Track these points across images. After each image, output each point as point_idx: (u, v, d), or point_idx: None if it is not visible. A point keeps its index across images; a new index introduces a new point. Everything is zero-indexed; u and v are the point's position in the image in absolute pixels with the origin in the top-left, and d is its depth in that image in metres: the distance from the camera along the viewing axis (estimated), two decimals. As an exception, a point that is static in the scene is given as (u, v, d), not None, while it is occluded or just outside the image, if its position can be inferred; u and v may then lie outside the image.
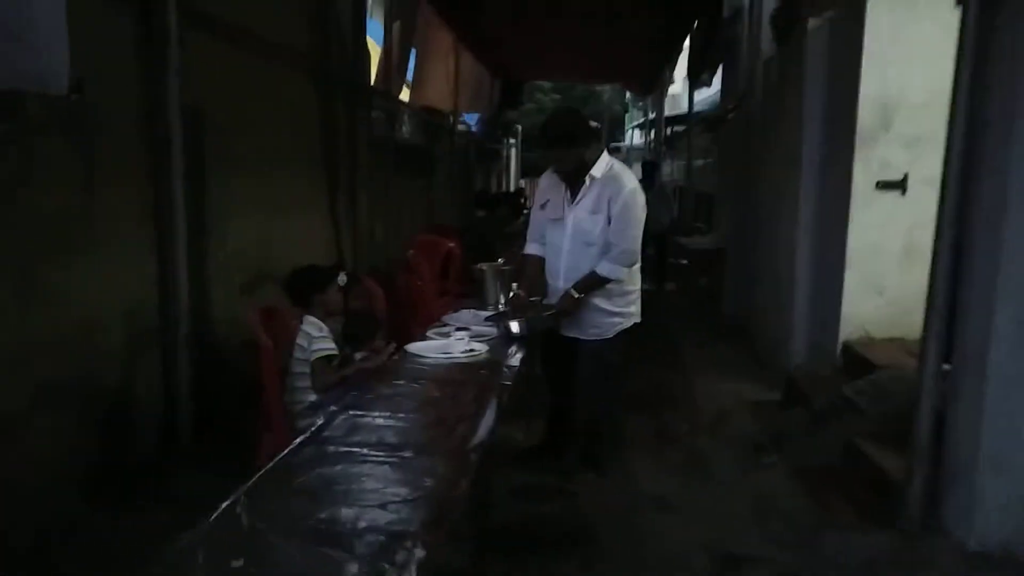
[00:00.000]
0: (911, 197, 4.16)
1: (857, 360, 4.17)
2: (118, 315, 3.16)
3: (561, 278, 3.43)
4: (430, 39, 8.35)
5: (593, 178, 3.33)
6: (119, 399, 3.19)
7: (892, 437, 3.36)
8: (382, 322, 3.28)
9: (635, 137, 25.07)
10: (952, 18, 2.91)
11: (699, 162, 12.65)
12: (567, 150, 3.31)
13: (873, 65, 4.09)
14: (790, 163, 5.00)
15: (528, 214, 5.38)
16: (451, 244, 5.51)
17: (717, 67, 8.90)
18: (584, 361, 3.46)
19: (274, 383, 2.85)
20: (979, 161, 2.76)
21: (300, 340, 2.84)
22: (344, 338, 2.90)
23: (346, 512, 1.64)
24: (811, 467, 3.62)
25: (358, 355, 2.84)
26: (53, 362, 2.79)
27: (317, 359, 2.77)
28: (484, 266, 4.08)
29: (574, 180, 3.39)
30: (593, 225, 3.33)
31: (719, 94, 10.16)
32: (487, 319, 3.55)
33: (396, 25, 7.33)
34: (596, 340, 3.42)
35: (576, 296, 3.32)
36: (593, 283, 3.34)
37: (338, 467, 1.88)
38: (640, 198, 3.34)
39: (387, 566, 1.41)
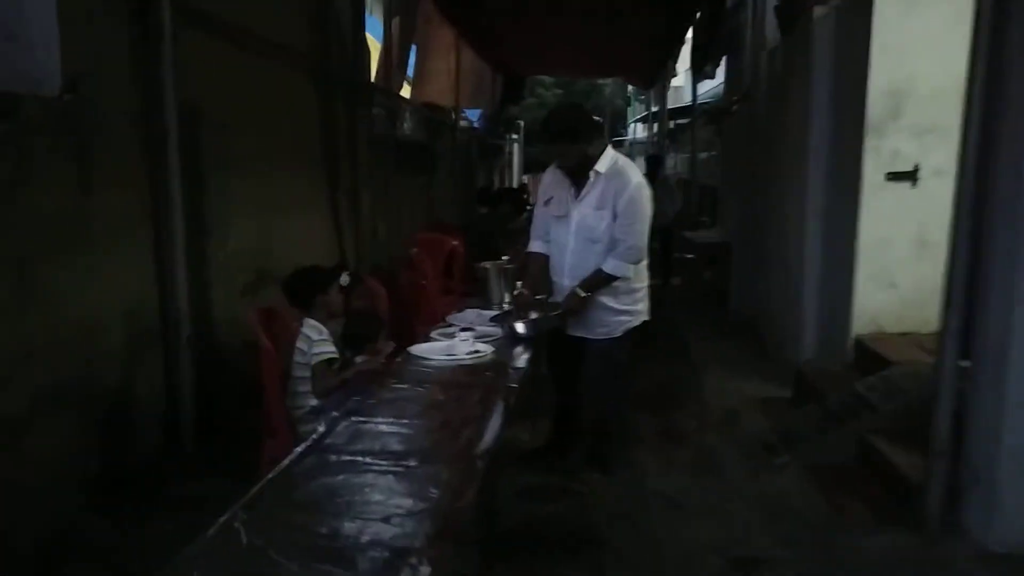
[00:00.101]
0: (922, 188, 4.08)
1: (869, 356, 4.09)
2: (118, 316, 3.11)
3: (566, 276, 3.36)
4: (430, 35, 8.27)
5: (598, 173, 3.26)
6: (120, 401, 3.15)
7: (907, 435, 3.30)
8: (384, 323, 3.22)
9: (638, 131, 24.98)
10: (964, 4, 2.83)
11: (703, 155, 12.56)
12: (570, 145, 3.23)
13: (882, 53, 4.01)
14: (797, 155, 4.92)
15: (531, 211, 5.31)
16: (454, 242, 5.43)
17: (721, 59, 8.80)
18: (592, 360, 3.39)
19: (275, 386, 2.79)
20: (996, 150, 2.68)
21: (300, 343, 2.78)
22: (345, 340, 2.83)
23: (348, 526, 1.57)
24: (823, 466, 3.55)
25: (359, 358, 2.77)
26: (53, 364, 2.75)
27: (317, 363, 2.71)
28: (488, 264, 4.00)
29: (578, 176, 3.31)
30: (598, 221, 3.26)
31: (723, 86, 10.06)
32: (492, 319, 3.48)
33: (396, 21, 7.26)
34: (604, 339, 3.36)
35: (582, 295, 3.25)
36: (599, 281, 3.27)
37: (340, 477, 1.81)
38: (646, 193, 3.27)
39: (391, 584, 1.35)
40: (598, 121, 3.39)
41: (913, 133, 4.06)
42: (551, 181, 3.45)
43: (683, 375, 5.31)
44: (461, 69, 9.39)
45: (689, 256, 9.49)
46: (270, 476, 1.82)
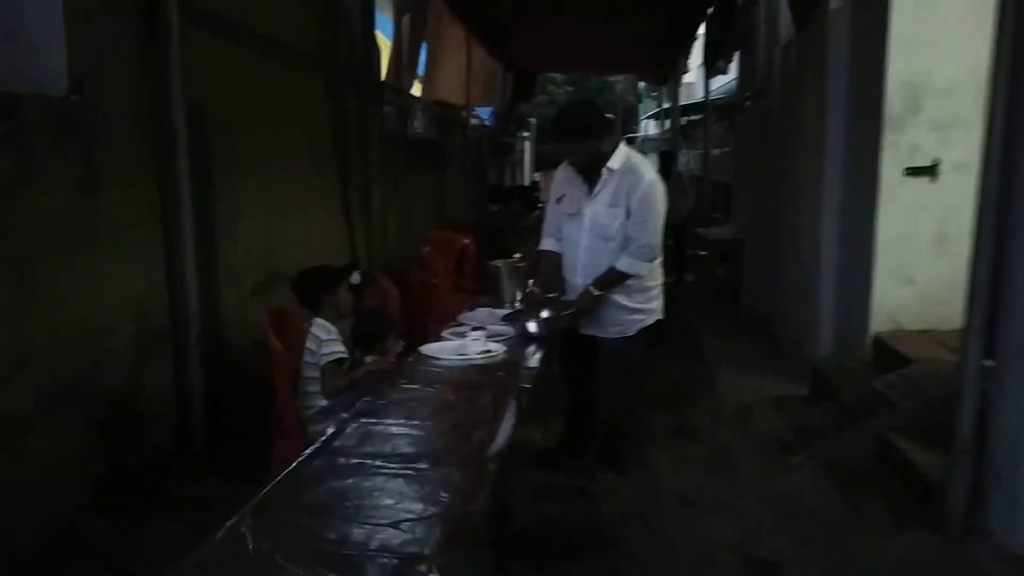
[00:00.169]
0: (942, 183, 4.02)
1: (887, 353, 4.03)
2: (127, 317, 3.10)
3: (579, 274, 3.32)
4: (441, 33, 8.23)
5: (611, 170, 3.21)
6: (128, 401, 3.13)
7: (927, 433, 3.24)
8: (395, 322, 3.19)
9: (650, 127, 24.87)
10: (983, -5, 2.76)
11: (716, 151, 12.46)
12: (581, 142, 3.19)
13: (900, 46, 3.94)
14: (813, 150, 4.85)
15: (542, 208, 5.27)
16: (465, 240, 5.40)
17: (733, 54, 8.71)
18: (605, 360, 3.35)
19: (286, 387, 2.77)
20: (1020, 143, 2.61)
21: (309, 344, 2.75)
22: (355, 339, 2.80)
23: (357, 531, 1.54)
24: (840, 464, 3.49)
25: (369, 358, 2.74)
26: (61, 365, 2.74)
27: (327, 363, 2.68)
28: (499, 263, 3.97)
29: (591, 173, 3.27)
30: (611, 219, 3.21)
31: (735, 82, 9.97)
32: (504, 318, 3.44)
33: (406, 19, 7.22)
34: (617, 338, 3.31)
35: (596, 294, 3.21)
36: (613, 279, 3.22)
37: (349, 480, 1.78)
38: (660, 189, 3.22)
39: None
40: (610, 117, 3.35)
41: (932, 127, 3.99)
42: (563, 179, 3.41)
43: (696, 372, 5.26)
44: (472, 67, 9.35)
45: (702, 253, 9.42)
46: (278, 479, 1.79)
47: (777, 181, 6.04)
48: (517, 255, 4.39)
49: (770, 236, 6.26)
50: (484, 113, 12.08)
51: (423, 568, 1.38)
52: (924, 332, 4.13)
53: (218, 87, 3.66)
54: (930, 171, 4.02)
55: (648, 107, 25.34)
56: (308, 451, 1.95)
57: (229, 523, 1.55)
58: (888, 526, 2.98)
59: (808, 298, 4.95)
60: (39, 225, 2.63)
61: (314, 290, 2.87)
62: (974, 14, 3.95)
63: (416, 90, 8.06)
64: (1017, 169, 2.62)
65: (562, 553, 2.88)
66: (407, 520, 1.58)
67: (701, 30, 8.93)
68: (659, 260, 3.36)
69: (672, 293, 3.55)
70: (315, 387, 2.73)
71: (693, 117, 15.51)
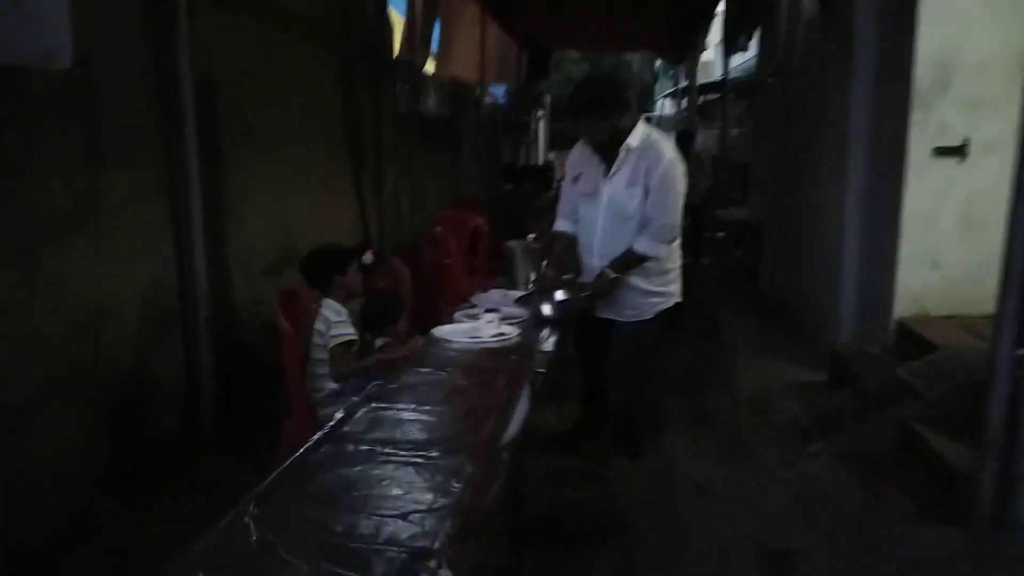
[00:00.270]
0: (971, 164, 3.88)
1: (911, 339, 3.92)
2: (135, 298, 3.05)
3: (596, 256, 3.22)
4: (455, 9, 8.09)
5: (629, 148, 3.10)
6: (138, 384, 3.10)
7: (952, 422, 3.15)
8: (406, 304, 3.12)
9: (665, 107, 24.56)
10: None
11: (734, 131, 12.25)
12: (598, 120, 3.08)
13: (930, 22, 3.79)
14: (837, 129, 4.71)
15: (557, 188, 5.17)
16: (479, 220, 5.32)
17: (754, 30, 8.51)
18: (620, 343, 3.27)
19: (295, 370, 2.71)
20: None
21: (319, 325, 2.69)
22: (364, 320, 2.73)
23: (365, 523, 1.48)
24: (862, 453, 3.41)
25: (379, 341, 2.67)
26: (68, 347, 2.70)
27: (336, 345, 2.62)
28: (514, 243, 3.89)
29: (608, 151, 3.16)
30: (630, 199, 3.11)
31: (754, 60, 9.76)
32: (517, 300, 3.37)
33: (419, -6, 7.09)
34: (633, 322, 3.23)
35: (612, 276, 3.12)
36: (630, 261, 3.13)
37: (357, 468, 1.72)
38: (680, 169, 3.11)
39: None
40: (629, 93, 3.24)
41: (962, 106, 3.86)
42: (580, 157, 3.31)
43: (713, 356, 5.17)
44: (486, 44, 9.21)
45: (719, 234, 9.28)
46: (284, 466, 1.73)
47: (798, 161, 5.90)
48: (532, 235, 4.31)
49: (790, 217, 6.13)
50: (498, 91, 11.93)
51: (433, 563, 1.32)
52: (949, 317, 4.02)
53: (227, 62, 3.58)
54: (959, 151, 3.89)
55: (664, 86, 25.01)
56: (316, 436, 1.89)
57: (232, 513, 1.49)
58: (911, 518, 2.90)
59: (829, 281, 4.84)
60: (44, 204, 2.58)
61: (324, 270, 2.80)
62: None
63: (430, 67, 7.94)
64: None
65: (575, 540, 2.83)
66: (417, 511, 1.52)
67: (721, 6, 8.73)
68: (678, 242, 3.27)
69: (689, 275, 3.46)
70: (324, 369, 2.67)
71: (710, 96, 15.27)
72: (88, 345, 2.80)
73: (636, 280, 3.18)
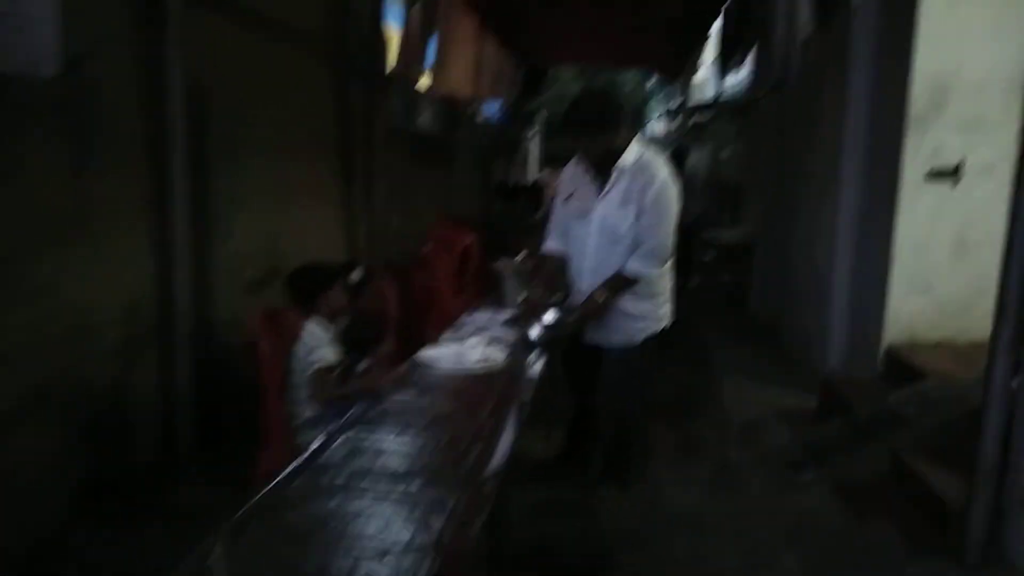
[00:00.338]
0: (964, 187, 3.86)
1: (901, 366, 3.89)
2: (113, 313, 2.97)
3: (586, 278, 3.17)
4: (452, 24, 8.05)
5: (623, 168, 3.05)
6: (114, 404, 3.01)
7: (943, 453, 3.10)
8: (389, 326, 3.05)
9: (657, 127, 24.63)
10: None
11: (725, 151, 12.28)
12: (594, 137, 3.01)
13: (928, 42, 3.78)
14: (830, 150, 4.70)
15: (549, 206, 5.12)
16: (469, 239, 5.26)
17: (749, 50, 8.53)
18: (609, 368, 3.21)
19: (273, 393, 2.64)
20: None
21: (300, 347, 2.62)
22: (346, 341, 2.66)
23: (339, 563, 1.41)
24: (852, 484, 3.36)
25: (362, 364, 2.60)
26: (42, 364, 2.61)
27: (316, 369, 2.54)
28: (503, 264, 3.83)
29: (601, 170, 3.11)
30: (622, 220, 3.05)
31: (746, 81, 9.78)
32: (505, 322, 3.31)
33: (416, 9, 7.07)
34: (623, 347, 3.17)
35: (602, 299, 3.06)
36: (620, 284, 3.08)
37: (334, 502, 1.65)
38: (674, 190, 3.06)
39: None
40: (625, 110, 3.17)
41: (957, 127, 3.84)
42: (572, 177, 3.26)
43: (701, 382, 5.12)
44: (482, 60, 9.18)
45: (707, 257, 9.26)
46: (255, 499, 1.66)
47: (790, 182, 5.88)
48: (522, 255, 4.25)
49: (780, 239, 6.11)
50: (492, 108, 11.91)
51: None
52: (939, 344, 3.99)
53: (218, 73, 3.52)
54: (953, 174, 3.86)
55: (656, 106, 25.10)
56: (290, 467, 1.82)
57: (198, 551, 1.42)
58: (902, 550, 2.85)
59: (819, 305, 4.80)
60: (23, 213, 2.51)
61: (309, 288, 2.74)
62: (1006, 9, 3.80)
63: (424, 83, 7.91)
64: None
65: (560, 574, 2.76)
66: (395, 550, 1.46)
67: (716, 25, 8.74)
68: (669, 264, 3.22)
69: (677, 297, 3.40)
70: (304, 394, 2.60)
71: (702, 116, 15.31)
72: (63, 361, 2.72)
73: (626, 303, 3.13)
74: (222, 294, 3.64)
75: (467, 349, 2.86)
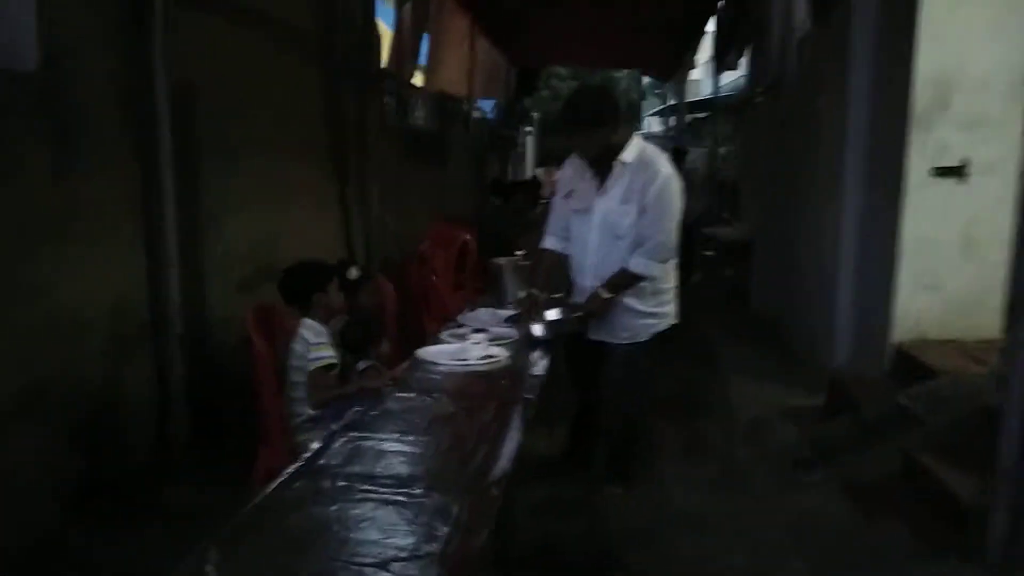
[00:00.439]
0: (971, 184, 3.80)
1: (910, 363, 3.81)
2: (105, 313, 2.89)
3: (589, 275, 3.09)
4: (444, 23, 7.98)
5: (624, 164, 2.98)
6: (107, 404, 2.93)
7: (957, 452, 3.03)
8: (388, 324, 2.97)
9: (652, 126, 24.63)
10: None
11: (722, 149, 12.24)
12: (592, 134, 2.94)
13: (930, 39, 3.72)
14: (832, 148, 4.63)
15: (545, 204, 5.06)
16: (466, 236, 5.19)
17: (745, 48, 8.48)
18: (614, 367, 3.13)
19: (270, 392, 2.56)
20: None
21: (297, 346, 2.53)
22: (344, 341, 2.57)
23: (340, 573, 1.33)
24: (863, 484, 3.28)
25: (362, 364, 2.52)
26: (31, 366, 2.54)
27: (315, 369, 2.46)
28: (502, 261, 3.76)
29: (601, 167, 3.04)
30: (623, 216, 2.98)
31: (742, 78, 9.74)
32: (507, 320, 3.23)
33: (408, 7, 6.99)
34: (628, 344, 3.10)
35: (605, 297, 2.99)
36: (624, 282, 3.00)
37: (333, 507, 1.57)
38: (676, 186, 2.99)
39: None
40: (623, 106, 3.11)
41: (961, 125, 3.77)
42: (572, 173, 3.18)
43: (705, 379, 5.04)
44: (475, 59, 9.11)
45: (708, 253, 9.20)
46: (252, 504, 1.58)
47: (791, 180, 5.82)
48: (520, 252, 4.18)
49: (782, 237, 6.04)
50: (487, 106, 11.84)
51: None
52: (948, 342, 3.92)
53: (206, 69, 3.44)
54: (958, 172, 3.80)
55: (652, 105, 25.09)
56: (289, 470, 1.74)
57: (192, 558, 1.34)
58: (917, 552, 2.77)
59: (824, 303, 4.73)
60: (7, 214, 2.43)
61: (303, 288, 2.65)
62: (1007, 6, 3.75)
63: (417, 81, 7.84)
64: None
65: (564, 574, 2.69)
66: (398, 559, 1.37)
67: (711, 24, 8.69)
68: (673, 261, 3.15)
69: (679, 295, 3.32)
70: (302, 393, 2.52)
71: (698, 115, 15.28)
72: (55, 361, 2.65)
73: (630, 301, 3.06)
74: (215, 293, 3.56)
75: (469, 346, 2.78)
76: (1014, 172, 2.47)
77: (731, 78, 11.72)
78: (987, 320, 3.80)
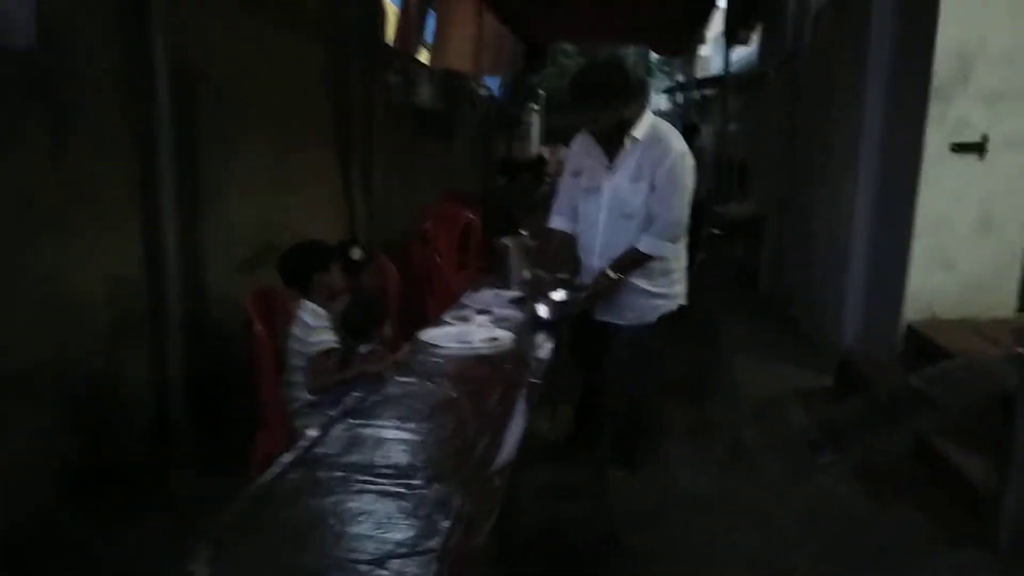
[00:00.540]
0: (990, 161, 3.70)
1: (922, 344, 3.74)
2: (102, 297, 2.83)
3: (597, 255, 3.02)
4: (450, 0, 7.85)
5: (635, 140, 2.89)
6: (105, 390, 2.88)
7: (972, 435, 2.97)
8: (393, 305, 2.91)
9: (661, 103, 24.35)
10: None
11: (732, 126, 12.06)
12: (603, 109, 2.84)
13: (952, 10, 3.60)
14: (848, 124, 4.52)
15: (550, 183, 4.97)
16: (470, 215, 5.11)
17: (757, 23, 8.31)
18: (620, 348, 3.07)
19: (269, 376, 2.51)
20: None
21: (296, 330, 2.47)
22: (345, 324, 2.51)
23: (334, 571, 1.28)
24: (875, 467, 3.23)
25: (363, 348, 2.45)
26: (27, 351, 2.48)
27: (315, 354, 2.40)
28: (507, 240, 3.68)
29: (612, 143, 2.94)
30: (634, 195, 2.90)
31: (754, 54, 9.56)
32: (511, 301, 3.16)
33: (413, -17, 6.86)
34: (635, 325, 3.03)
35: (614, 277, 2.91)
36: (633, 261, 2.92)
37: (330, 499, 1.52)
38: (689, 163, 2.90)
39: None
40: (636, 79, 3.01)
41: (982, 99, 3.67)
42: (580, 149, 3.09)
43: (712, 360, 4.98)
44: (482, 35, 8.96)
45: (716, 231, 9.09)
46: (249, 493, 1.52)
47: (804, 156, 5.71)
48: (525, 232, 4.10)
49: (794, 214, 5.94)
50: (493, 83, 11.69)
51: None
52: (961, 321, 3.84)
53: (206, 46, 3.34)
54: (978, 148, 3.70)
55: (660, 82, 24.79)
56: (285, 460, 1.68)
57: (183, 554, 1.29)
58: (929, 538, 2.72)
59: (834, 282, 4.65)
60: (3, 197, 2.37)
61: (303, 269, 2.59)
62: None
63: (423, 58, 7.71)
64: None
65: (570, 560, 2.65)
66: (398, 554, 1.32)
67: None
68: (683, 241, 3.07)
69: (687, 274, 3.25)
70: (301, 378, 2.46)
71: (707, 92, 15.06)
72: (53, 345, 2.60)
73: (639, 281, 2.98)
74: (214, 275, 3.49)
75: (473, 328, 2.72)
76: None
77: (740, 54, 11.52)
78: (1003, 299, 3.72)
